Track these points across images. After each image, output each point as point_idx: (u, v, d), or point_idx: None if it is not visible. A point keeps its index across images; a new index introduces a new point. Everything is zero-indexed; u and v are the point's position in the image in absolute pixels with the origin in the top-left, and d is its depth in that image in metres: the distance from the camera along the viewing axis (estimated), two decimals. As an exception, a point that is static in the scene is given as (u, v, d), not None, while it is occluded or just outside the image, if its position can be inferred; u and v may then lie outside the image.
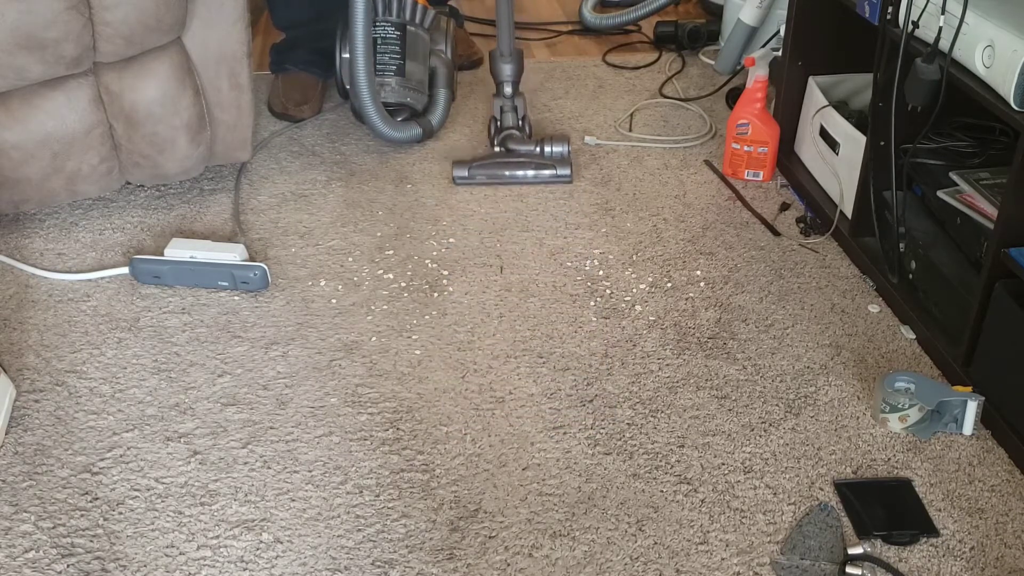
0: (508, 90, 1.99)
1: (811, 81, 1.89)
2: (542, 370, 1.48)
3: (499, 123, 2.01)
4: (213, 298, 1.63)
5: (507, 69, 1.98)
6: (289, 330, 1.55)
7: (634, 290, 1.65)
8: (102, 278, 1.67)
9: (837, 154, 1.78)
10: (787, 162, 1.98)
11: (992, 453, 1.33)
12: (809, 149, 1.92)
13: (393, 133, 2.02)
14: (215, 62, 1.74)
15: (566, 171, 1.93)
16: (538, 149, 1.96)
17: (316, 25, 2.20)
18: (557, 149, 1.95)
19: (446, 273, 1.69)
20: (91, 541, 1.19)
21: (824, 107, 1.82)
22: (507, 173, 1.93)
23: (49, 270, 1.68)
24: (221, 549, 1.19)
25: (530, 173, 1.92)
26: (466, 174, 1.93)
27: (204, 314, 1.59)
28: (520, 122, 2.01)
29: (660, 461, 1.32)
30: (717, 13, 2.63)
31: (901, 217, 1.55)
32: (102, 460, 1.31)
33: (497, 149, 1.99)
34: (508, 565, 1.17)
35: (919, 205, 1.59)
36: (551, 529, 1.22)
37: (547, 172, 1.93)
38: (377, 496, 1.26)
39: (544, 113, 2.25)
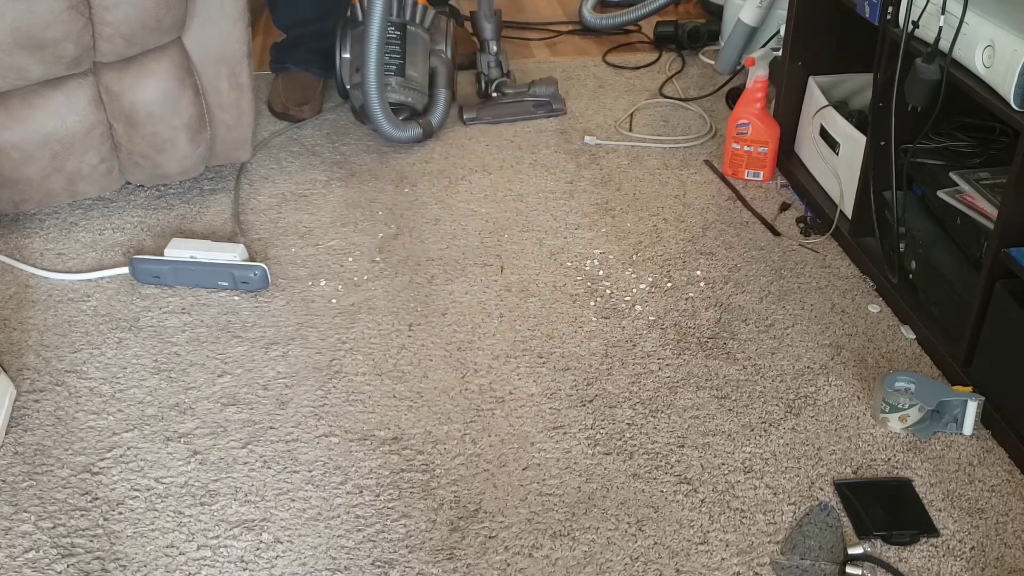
0: (494, 47, 2.26)
1: (811, 81, 1.89)
2: (542, 370, 1.48)
3: (487, 76, 2.26)
4: (213, 298, 1.63)
5: (489, 28, 2.25)
6: (289, 330, 1.55)
7: (634, 290, 1.65)
8: (102, 278, 1.67)
9: (837, 154, 1.78)
10: (787, 162, 1.98)
11: (992, 453, 1.33)
12: (809, 149, 1.92)
13: (397, 133, 2.02)
14: (215, 62, 1.74)
15: (560, 105, 2.23)
16: (530, 91, 2.21)
17: (317, 25, 2.20)
18: (547, 89, 2.22)
19: (446, 273, 1.69)
20: (91, 541, 1.19)
21: (824, 107, 1.82)
22: (510, 112, 2.20)
23: (49, 270, 1.68)
24: (221, 549, 1.19)
25: (530, 110, 2.20)
26: (475, 115, 2.18)
27: (204, 314, 1.59)
28: (505, 74, 2.27)
29: (660, 461, 1.32)
30: (717, 13, 2.63)
31: (901, 217, 1.55)
32: (102, 460, 1.31)
33: (494, 94, 2.24)
34: (508, 565, 1.17)
35: (919, 205, 1.59)
36: (551, 529, 1.22)
37: (543, 108, 2.21)
38: (377, 496, 1.26)
39: (544, 113, 2.26)
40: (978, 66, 1.30)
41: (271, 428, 1.37)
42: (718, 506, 1.25)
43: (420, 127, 2.07)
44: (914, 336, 1.54)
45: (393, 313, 1.59)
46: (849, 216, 1.74)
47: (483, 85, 2.28)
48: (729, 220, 1.85)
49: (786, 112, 1.96)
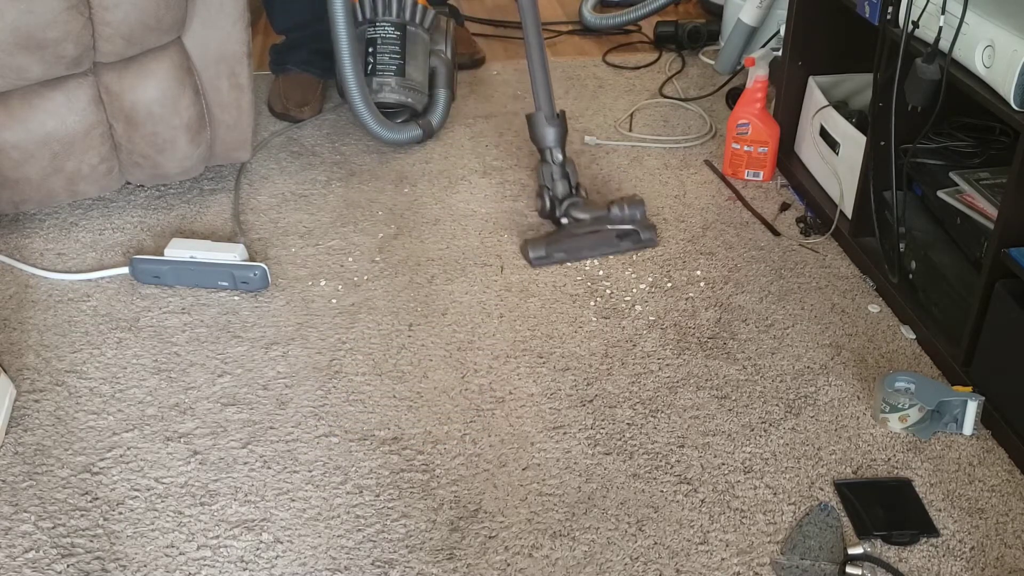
0: (559, 156, 1.80)
1: (811, 81, 1.89)
2: (542, 370, 1.48)
3: (551, 192, 1.79)
4: (213, 298, 1.63)
5: (551, 134, 1.80)
6: (289, 330, 1.55)
7: (634, 290, 1.65)
8: (102, 278, 1.67)
9: (837, 154, 1.78)
10: (787, 162, 1.98)
11: (992, 453, 1.33)
12: (809, 149, 1.92)
13: (389, 134, 2.02)
14: (215, 62, 1.74)
15: (650, 235, 1.76)
16: (609, 214, 1.75)
17: (316, 26, 2.20)
18: (632, 212, 1.75)
19: (446, 273, 1.69)
20: (91, 541, 1.19)
21: (824, 107, 1.82)
22: (589, 246, 1.73)
23: (49, 270, 1.68)
24: (221, 549, 1.19)
25: (612, 241, 1.74)
26: (544, 253, 1.71)
27: (204, 314, 1.59)
28: (573, 190, 1.80)
29: (660, 461, 1.32)
30: (717, 13, 2.63)
31: (901, 217, 1.55)
32: (102, 460, 1.31)
33: (564, 221, 1.77)
34: (508, 565, 1.17)
35: (919, 205, 1.59)
36: (551, 529, 1.22)
37: (630, 239, 1.74)
38: (377, 496, 1.26)
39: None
40: (978, 66, 1.30)
41: (271, 428, 1.37)
42: (718, 506, 1.25)
43: (420, 128, 2.07)
44: (914, 336, 1.54)
45: (393, 313, 1.59)
46: (849, 216, 1.74)
47: (547, 203, 1.79)
48: (729, 220, 1.85)
49: (786, 112, 1.96)
